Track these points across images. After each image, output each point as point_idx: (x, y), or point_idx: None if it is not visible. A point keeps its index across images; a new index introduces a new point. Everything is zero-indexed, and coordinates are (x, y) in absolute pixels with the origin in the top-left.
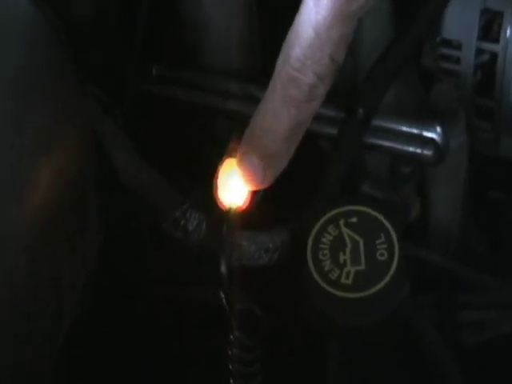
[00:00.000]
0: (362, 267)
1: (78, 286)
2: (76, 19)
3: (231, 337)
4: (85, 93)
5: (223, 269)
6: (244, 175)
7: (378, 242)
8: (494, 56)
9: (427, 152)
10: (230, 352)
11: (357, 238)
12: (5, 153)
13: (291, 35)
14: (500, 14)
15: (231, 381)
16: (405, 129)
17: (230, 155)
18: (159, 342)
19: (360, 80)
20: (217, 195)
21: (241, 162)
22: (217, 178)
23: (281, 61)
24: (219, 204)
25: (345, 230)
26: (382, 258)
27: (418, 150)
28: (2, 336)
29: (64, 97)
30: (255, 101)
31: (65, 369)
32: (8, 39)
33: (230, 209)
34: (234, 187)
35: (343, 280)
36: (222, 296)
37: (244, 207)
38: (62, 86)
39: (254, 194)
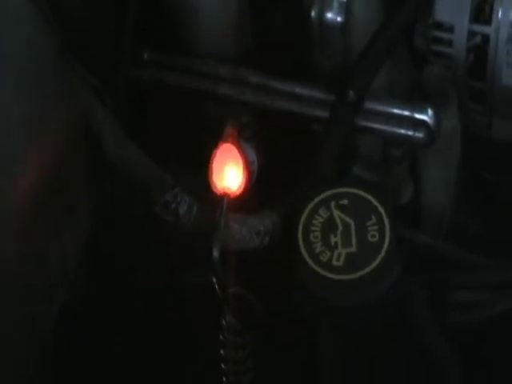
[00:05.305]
0: (353, 249)
1: (68, 271)
2: (66, 3)
3: (223, 321)
4: (75, 76)
5: (216, 254)
6: None
7: (369, 223)
8: (485, 38)
9: (418, 134)
10: (221, 336)
11: (348, 220)
12: None
13: None
14: None
15: (222, 365)
16: (396, 111)
17: (226, 140)
18: (151, 327)
19: (351, 62)
20: (211, 180)
21: None
22: (212, 162)
23: None
24: (213, 189)
25: (336, 212)
26: (373, 240)
27: (410, 132)
28: None
29: (54, 80)
30: (246, 85)
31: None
32: None
33: (225, 194)
34: (229, 173)
35: (334, 262)
36: (215, 281)
37: (239, 193)
38: (52, 69)
39: (249, 179)
